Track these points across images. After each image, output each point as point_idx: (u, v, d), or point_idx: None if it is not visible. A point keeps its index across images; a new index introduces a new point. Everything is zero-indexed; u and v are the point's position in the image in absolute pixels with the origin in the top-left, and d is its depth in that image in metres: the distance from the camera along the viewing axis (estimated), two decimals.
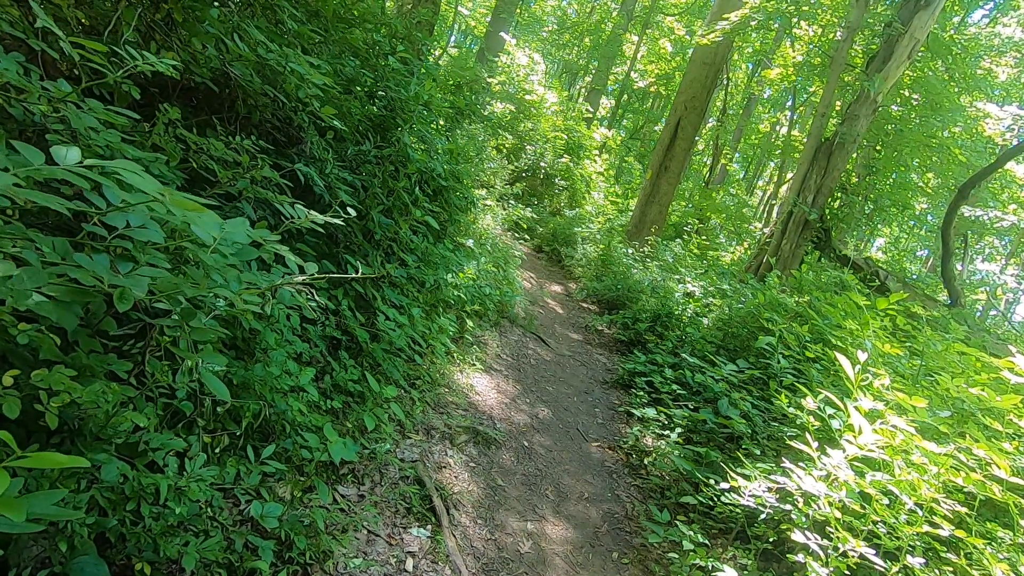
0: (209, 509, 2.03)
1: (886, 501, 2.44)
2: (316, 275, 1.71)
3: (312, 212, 1.47)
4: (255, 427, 2.28)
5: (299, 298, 1.40)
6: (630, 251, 9.37)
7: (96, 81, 1.42)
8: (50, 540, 1.52)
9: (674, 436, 4.10)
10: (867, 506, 2.32)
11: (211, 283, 1.15)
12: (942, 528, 2.21)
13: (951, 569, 2.32)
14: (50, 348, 1.46)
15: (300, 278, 1.32)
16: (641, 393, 5.05)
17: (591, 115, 18.02)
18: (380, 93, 3.90)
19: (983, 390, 2.58)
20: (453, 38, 23.03)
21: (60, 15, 1.81)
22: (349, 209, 1.67)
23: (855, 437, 2.44)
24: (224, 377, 2.24)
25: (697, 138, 15.03)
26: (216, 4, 2.74)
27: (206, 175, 2.25)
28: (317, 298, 1.47)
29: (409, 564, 2.45)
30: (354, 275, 1.65)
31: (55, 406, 1.34)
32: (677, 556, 2.93)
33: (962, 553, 2.23)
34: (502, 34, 13.87)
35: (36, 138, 1.71)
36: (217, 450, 2.17)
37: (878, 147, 10.83)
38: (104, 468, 1.58)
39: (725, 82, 14.50)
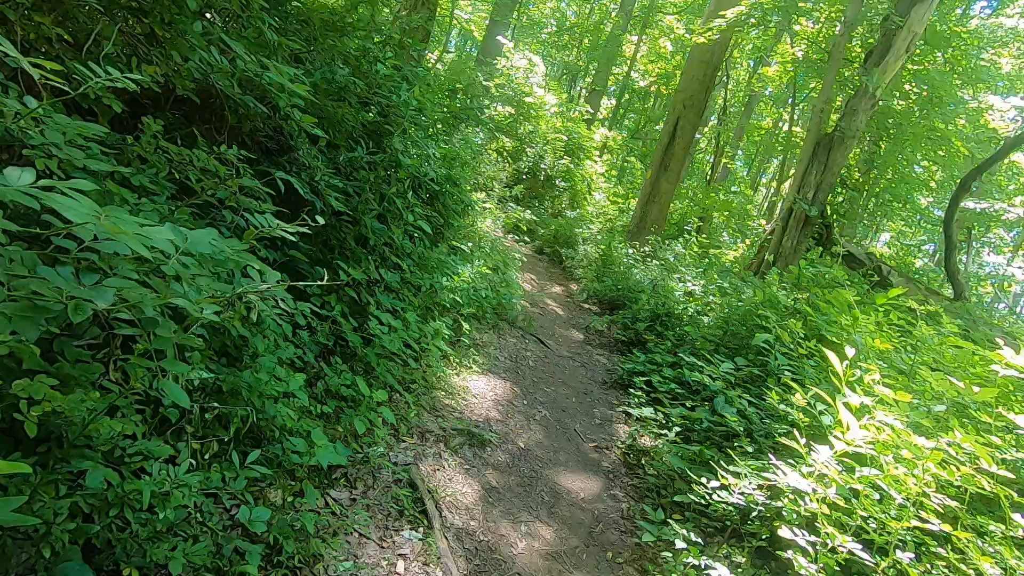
0: (198, 514, 2.06)
1: (876, 496, 2.43)
2: (302, 282, 1.74)
3: (279, 222, 1.50)
4: (244, 432, 2.31)
5: (263, 304, 1.43)
6: (631, 251, 9.37)
7: (62, 97, 1.45)
8: (36, 546, 1.55)
9: (671, 435, 4.09)
10: (855, 502, 2.32)
11: (172, 292, 1.18)
12: (931, 523, 2.20)
13: (943, 564, 2.31)
14: (32, 358, 1.49)
15: (264, 285, 1.35)
16: (639, 393, 5.05)
17: (591, 116, 18.03)
18: (378, 99, 3.93)
19: (967, 383, 2.57)
20: (452, 43, 23.13)
21: (43, 32, 1.85)
22: (319, 218, 1.69)
23: (843, 433, 2.44)
24: (212, 383, 2.27)
25: (698, 136, 14.99)
26: (207, 17, 2.79)
27: (193, 185, 2.29)
28: (292, 304, 1.50)
29: (400, 567, 2.47)
30: (337, 281, 1.67)
31: (35, 415, 1.37)
32: (671, 555, 2.93)
33: (949, 548, 2.22)
34: (499, 37, 13.92)
35: (18, 154, 1.76)
36: (207, 456, 2.20)
37: (880, 141, 10.77)
38: (89, 475, 1.61)
39: (725, 80, 14.47)
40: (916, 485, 2.25)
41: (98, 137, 1.74)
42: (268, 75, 2.17)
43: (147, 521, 1.79)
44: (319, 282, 1.63)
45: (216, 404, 2.16)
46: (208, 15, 2.88)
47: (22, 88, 1.63)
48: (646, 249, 9.62)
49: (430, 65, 11.74)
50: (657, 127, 20.80)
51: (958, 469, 2.23)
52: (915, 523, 2.23)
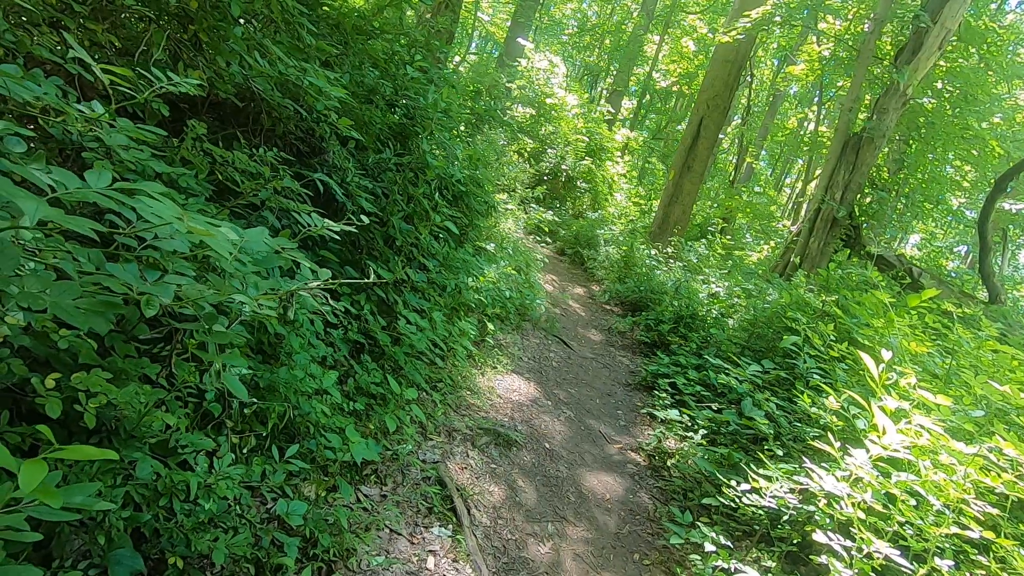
0: (238, 507, 2.12)
1: (913, 502, 2.38)
2: (338, 281, 1.78)
3: (327, 221, 1.54)
4: (280, 428, 2.36)
5: (315, 302, 1.47)
6: (653, 252, 9.31)
7: (126, 102, 1.51)
8: (90, 534, 1.62)
9: (697, 438, 4.06)
10: (891, 507, 2.28)
11: (231, 289, 1.22)
12: (971, 529, 2.15)
13: (983, 572, 2.25)
14: (88, 352, 1.55)
15: (315, 283, 1.38)
16: (664, 395, 5.02)
17: (612, 116, 17.95)
18: (403, 102, 3.98)
19: (1013, 389, 2.51)
20: (474, 44, 23.25)
21: (95, 39, 1.92)
22: (363, 217, 1.73)
23: (879, 437, 2.40)
24: (250, 380, 2.33)
25: (721, 136, 14.83)
26: (241, 22, 2.86)
27: (232, 186, 2.35)
28: (332, 302, 1.53)
29: (431, 563, 2.50)
30: (369, 280, 1.71)
31: (93, 407, 1.43)
32: (699, 558, 2.91)
33: (991, 556, 2.17)
34: (519, 39, 13.94)
35: (75, 156, 1.83)
36: (245, 450, 2.25)
37: (910, 141, 10.52)
38: (139, 465, 1.67)
39: (749, 79, 14.30)
40: (956, 491, 2.21)
41: (147, 140, 1.81)
42: (308, 78, 2.23)
43: (191, 512, 1.84)
44: (366, 280, 1.66)
45: (255, 400, 2.21)
46: (243, 20, 2.96)
47: (79, 93, 1.69)
48: (669, 250, 9.55)
49: (453, 67, 11.82)
50: (679, 127, 20.63)
51: (1000, 475, 2.18)
52: (954, 530, 2.19)
